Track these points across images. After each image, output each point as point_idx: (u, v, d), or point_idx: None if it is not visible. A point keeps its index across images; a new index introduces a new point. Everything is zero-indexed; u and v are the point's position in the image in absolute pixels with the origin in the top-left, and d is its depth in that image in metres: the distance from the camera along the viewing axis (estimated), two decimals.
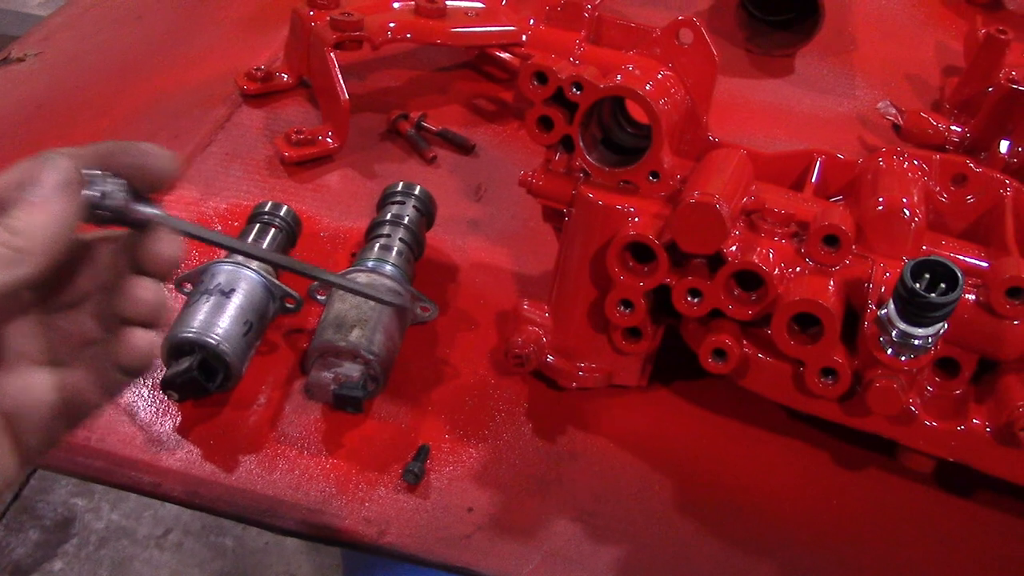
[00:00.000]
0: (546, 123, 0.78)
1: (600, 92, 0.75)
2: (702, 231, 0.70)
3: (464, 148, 1.08)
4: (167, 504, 2.02)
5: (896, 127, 1.13)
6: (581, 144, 0.77)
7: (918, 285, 0.62)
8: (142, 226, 0.54)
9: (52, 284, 0.55)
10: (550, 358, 0.81)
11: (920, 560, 0.74)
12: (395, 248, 0.86)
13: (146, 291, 0.54)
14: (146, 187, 0.54)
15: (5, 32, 2.66)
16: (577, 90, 0.75)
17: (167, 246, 0.54)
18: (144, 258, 0.54)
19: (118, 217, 0.53)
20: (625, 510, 0.75)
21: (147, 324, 0.54)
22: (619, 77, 0.76)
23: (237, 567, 2.02)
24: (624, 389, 0.83)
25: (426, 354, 0.85)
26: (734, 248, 0.71)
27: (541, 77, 0.76)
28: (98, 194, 0.52)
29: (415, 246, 0.88)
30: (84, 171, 0.52)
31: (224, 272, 0.81)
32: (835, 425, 0.77)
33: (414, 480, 0.75)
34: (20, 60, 1.28)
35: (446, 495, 0.74)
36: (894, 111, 1.13)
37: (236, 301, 0.79)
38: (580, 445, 0.79)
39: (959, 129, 1.07)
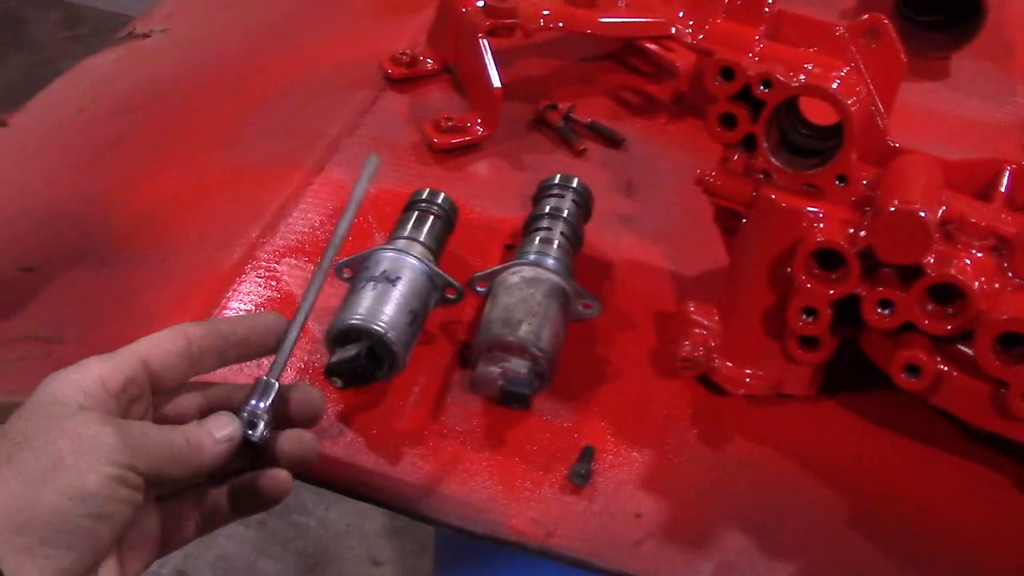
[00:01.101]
0: (729, 121, 0.75)
1: (790, 90, 0.72)
2: (905, 241, 0.67)
3: (613, 142, 1.06)
4: None
5: None
6: (766, 144, 0.74)
7: None
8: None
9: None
10: (717, 363, 0.79)
11: None
12: (556, 241, 0.84)
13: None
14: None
15: (123, 11, 2.70)
16: (765, 88, 0.73)
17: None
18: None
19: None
20: (796, 525, 0.72)
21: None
22: (803, 77, 0.73)
23: (319, 547, 2.03)
24: (790, 398, 0.80)
25: (586, 352, 0.83)
26: (931, 260, 0.68)
27: (727, 73, 0.74)
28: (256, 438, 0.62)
29: (575, 240, 0.86)
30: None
31: (388, 259, 0.80)
32: (1015, 449, 0.73)
33: (581, 482, 0.73)
34: (145, 36, 1.28)
35: (613, 499, 0.72)
36: None
37: (401, 289, 0.77)
38: (747, 454, 0.77)
39: None
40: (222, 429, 0.60)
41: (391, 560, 2.02)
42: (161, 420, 0.61)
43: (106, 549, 0.54)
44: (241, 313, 0.83)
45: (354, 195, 0.73)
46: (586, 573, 0.70)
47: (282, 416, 0.65)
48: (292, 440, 0.64)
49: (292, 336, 0.66)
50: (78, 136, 1.08)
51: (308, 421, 0.67)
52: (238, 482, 0.63)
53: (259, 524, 2.02)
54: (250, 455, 0.63)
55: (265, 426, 0.62)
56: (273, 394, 0.63)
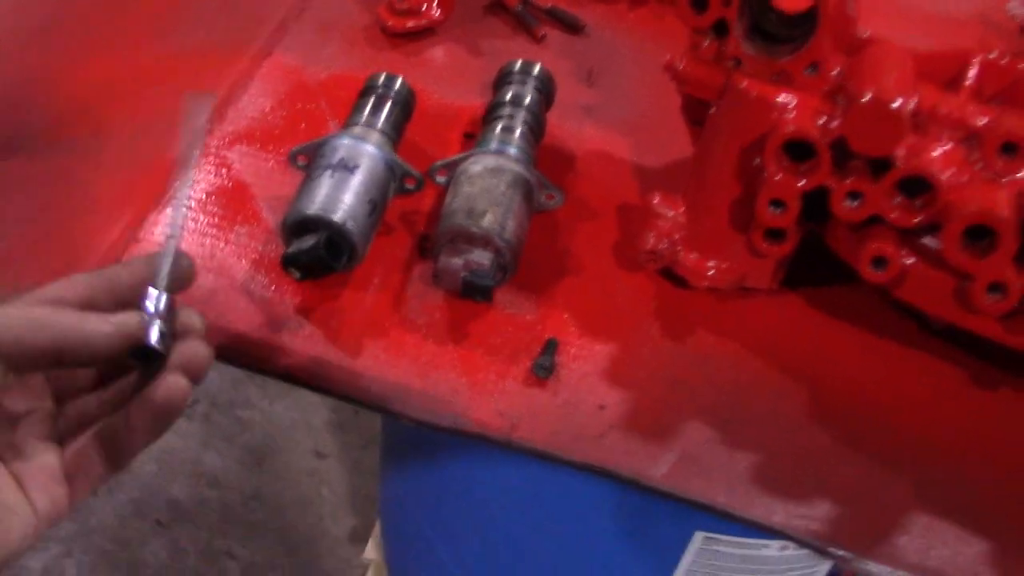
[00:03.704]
0: (700, 4, 0.72)
1: None
2: (877, 131, 0.66)
3: (574, 27, 1.02)
4: None
5: None
6: (738, 29, 0.72)
7: None
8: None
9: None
10: (681, 255, 0.78)
11: None
12: (518, 130, 0.81)
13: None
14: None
15: None
16: None
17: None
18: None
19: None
20: (759, 418, 0.73)
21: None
22: None
23: (264, 441, 2.03)
24: (753, 292, 0.80)
25: (548, 245, 0.81)
26: (901, 151, 0.67)
27: None
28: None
29: (537, 129, 0.84)
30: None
31: (345, 147, 0.77)
32: (972, 342, 0.74)
33: (545, 374, 0.72)
34: None
35: (577, 392, 0.72)
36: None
37: (359, 177, 0.75)
38: (710, 348, 0.77)
39: None
40: (117, 316, 0.56)
41: (335, 453, 2.03)
42: None
43: None
44: (194, 202, 0.80)
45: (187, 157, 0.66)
46: (540, 462, 0.69)
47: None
48: (183, 350, 0.58)
49: (170, 246, 0.60)
50: (5, 19, 1.01)
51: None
52: (137, 402, 0.57)
53: (203, 418, 2.01)
54: (148, 370, 0.57)
55: (161, 333, 0.56)
56: (164, 301, 0.57)
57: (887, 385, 0.76)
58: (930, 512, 0.69)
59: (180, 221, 0.61)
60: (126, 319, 0.55)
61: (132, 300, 0.57)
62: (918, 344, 0.78)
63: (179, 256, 0.59)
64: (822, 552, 0.67)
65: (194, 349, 0.57)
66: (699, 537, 0.83)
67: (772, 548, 0.84)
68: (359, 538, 1.84)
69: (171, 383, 0.55)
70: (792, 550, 0.79)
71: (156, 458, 1.93)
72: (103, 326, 0.54)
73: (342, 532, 1.89)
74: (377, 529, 1.49)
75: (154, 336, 0.55)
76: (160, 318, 0.56)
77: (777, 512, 0.68)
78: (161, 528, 1.86)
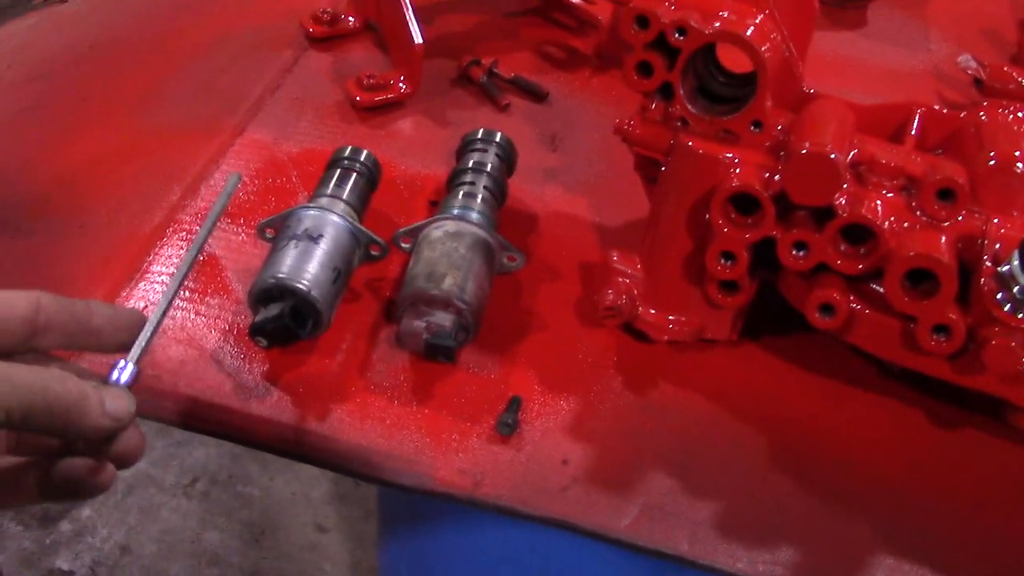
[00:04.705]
0: (645, 69, 0.75)
1: (704, 38, 0.73)
2: (816, 182, 0.68)
3: (538, 96, 1.06)
4: (194, 453, 2.05)
5: (978, 82, 1.10)
6: (682, 91, 0.75)
7: None
8: None
9: None
10: (641, 310, 0.80)
11: (1018, 518, 0.73)
12: (479, 195, 0.84)
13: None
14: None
15: None
16: (680, 35, 0.73)
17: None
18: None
19: None
20: (719, 464, 0.74)
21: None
22: (717, 24, 0.74)
23: (264, 517, 2.02)
24: (713, 343, 0.81)
25: (511, 305, 0.83)
26: (843, 201, 0.70)
27: (643, 21, 0.74)
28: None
29: (498, 194, 0.87)
30: None
31: (310, 217, 0.79)
32: (928, 384, 0.76)
33: (508, 431, 0.74)
34: (62, 1, 1.25)
35: (540, 447, 0.73)
36: (975, 65, 1.10)
37: (324, 247, 0.77)
38: (671, 398, 0.78)
39: None
40: (117, 401, 0.57)
41: (337, 526, 2.02)
42: None
43: None
44: (166, 277, 0.82)
45: (213, 211, 0.69)
46: (527, 523, 0.70)
47: None
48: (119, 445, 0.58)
49: (144, 337, 0.61)
50: None
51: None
52: (63, 465, 0.57)
53: (202, 496, 2.01)
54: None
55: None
56: (131, 374, 0.60)
57: (846, 428, 0.77)
58: (890, 552, 0.70)
59: (171, 296, 0.64)
60: (129, 409, 0.57)
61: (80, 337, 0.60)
62: (877, 388, 0.79)
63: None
64: None
65: (129, 442, 0.58)
66: None
67: None
68: None
69: (106, 472, 0.58)
70: None
71: (156, 539, 1.93)
72: (102, 420, 0.56)
73: None
74: None
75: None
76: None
77: (741, 559, 0.69)
78: None
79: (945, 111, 0.80)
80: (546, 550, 0.88)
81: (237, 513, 2.01)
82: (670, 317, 0.80)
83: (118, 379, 0.59)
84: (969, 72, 1.11)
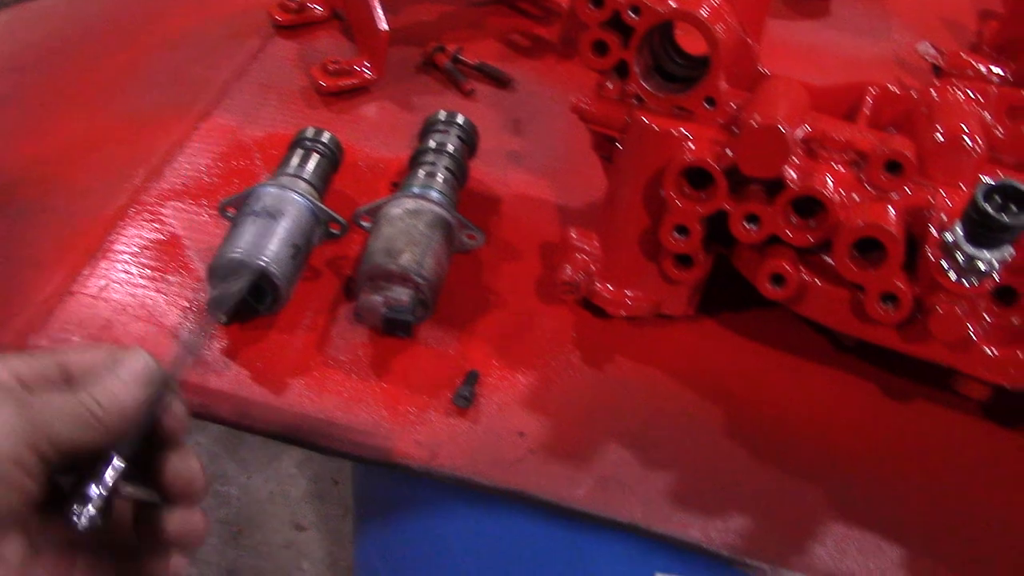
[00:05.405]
0: (600, 48, 0.76)
1: (658, 16, 0.74)
2: (765, 153, 0.69)
3: (501, 82, 1.06)
4: None
5: (936, 69, 1.12)
6: (636, 69, 0.76)
7: (989, 207, 0.62)
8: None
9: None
10: (598, 286, 0.81)
11: (966, 485, 0.74)
12: (440, 175, 0.85)
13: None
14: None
15: None
16: (634, 14, 0.74)
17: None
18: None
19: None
20: (675, 437, 0.75)
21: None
22: (671, 2, 0.75)
23: (242, 515, 2.01)
24: (671, 320, 0.82)
25: (471, 283, 0.84)
26: (794, 175, 0.71)
27: (597, 0, 0.75)
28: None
29: (459, 174, 0.87)
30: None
31: (270, 195, 0.80)
32: (881, 357, 0.77)
33: (465, 404, 0.74)
34: None
35: (497, 420, 0.74)
36: (934, 52, 1.12)
37: (284, 224, 0.78)
38: (629, 373, 0.79)
39: (1001, 71, 1.06)
40: (134, 363, 0.53)
41: (315, 525, 2.02)
42: None
43: None
44: (126, 256, 0.83)
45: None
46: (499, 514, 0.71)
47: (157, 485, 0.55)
48: (178, 522, 0.54)
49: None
50: None
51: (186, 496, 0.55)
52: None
53: None
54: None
55: (96, 511, 0.49)
56: (115, 474, 0.50)
57: (800, 400, 0.78)
58: (844, 521, 0.70)
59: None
60: (148, 364, 0.54)
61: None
62: (830, 361, 0.81)
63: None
64: (738, 564, 0.68)
65: (191, 523, 0.55)
66: None
67: None
68: None
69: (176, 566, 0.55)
70: None
71: None
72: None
73: None
74: None
75: (83, 520, 0.49)
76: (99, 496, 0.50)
77: (694, 526, 0.69)
78: None
79: (898, 91, 0.81)
80: (515, 539, 0.89)
81: (215, 512, 2.00)
82: (627, 293, 0.81)
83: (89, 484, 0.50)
84: (928, 59, 1.12)
